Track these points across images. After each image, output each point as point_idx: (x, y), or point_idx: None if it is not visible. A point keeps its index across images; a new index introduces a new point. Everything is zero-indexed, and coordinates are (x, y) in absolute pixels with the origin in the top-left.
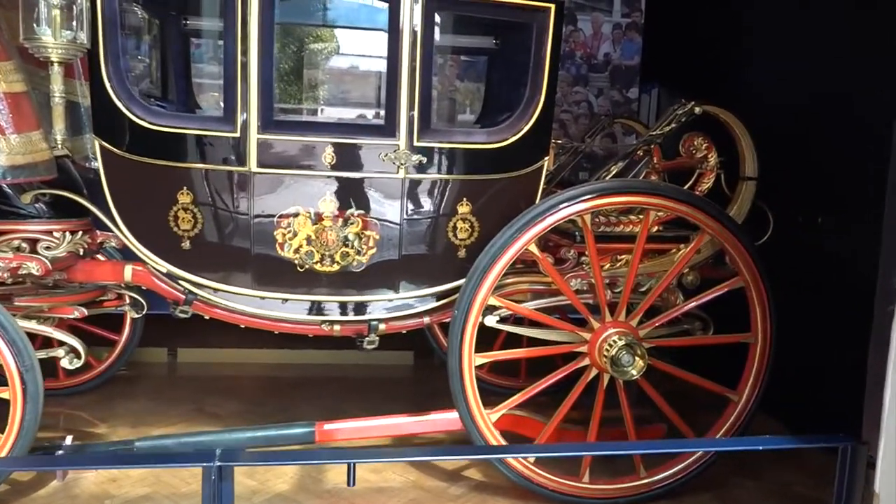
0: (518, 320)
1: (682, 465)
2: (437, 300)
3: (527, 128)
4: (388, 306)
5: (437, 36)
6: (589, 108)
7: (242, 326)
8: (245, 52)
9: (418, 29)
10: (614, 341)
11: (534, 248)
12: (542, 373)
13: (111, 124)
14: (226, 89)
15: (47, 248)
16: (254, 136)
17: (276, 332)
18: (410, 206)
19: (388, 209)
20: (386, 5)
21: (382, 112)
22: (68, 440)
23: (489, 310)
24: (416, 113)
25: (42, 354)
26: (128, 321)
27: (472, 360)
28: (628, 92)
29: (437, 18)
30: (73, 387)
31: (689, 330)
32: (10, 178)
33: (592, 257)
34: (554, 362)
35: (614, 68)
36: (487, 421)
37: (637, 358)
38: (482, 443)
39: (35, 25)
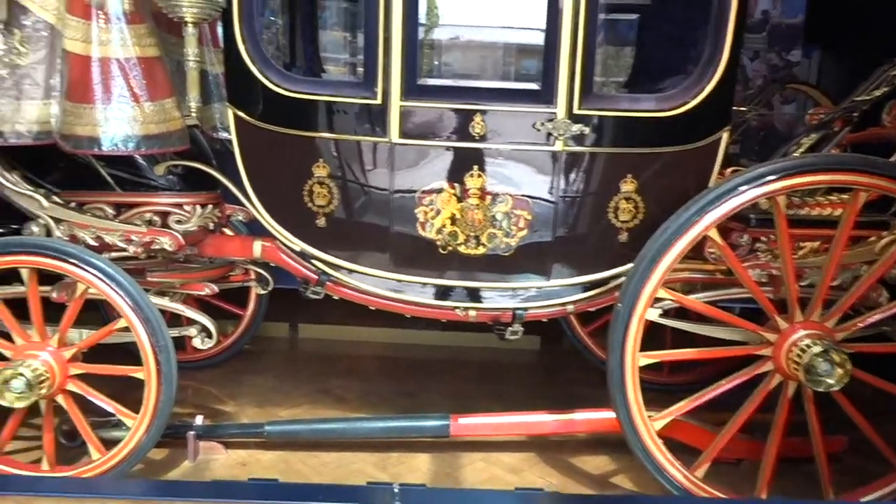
0: (682, 314)
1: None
2: (586, 290)
3: (705, 92)
4: (534, 294)
5: None
6: (742, 74)
7: (372, 308)
8: (388, 14)
9: None
10: (807, 346)
11: (715, 235)
12: (709, 371)
13: (245, 91)
14: (366, 54)
15: (178, 222)
16: (396, 103)
17: (408, 316)
18: (567, 183)
19: (541, 186)
20: None
21: (538, 76)
22: (199, 420)
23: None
24: (577, 77)
25: (175, 333)
26: (253, 296)
27: (635, 360)
28: (789, 55)
29: None
30: (201, 360)
31: (890, 334)
32: (144, 147)
33: (784, 245)
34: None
35: (773, 27)
36: (650, 428)
37: (836, 366)
38: (642, 451)
39: None
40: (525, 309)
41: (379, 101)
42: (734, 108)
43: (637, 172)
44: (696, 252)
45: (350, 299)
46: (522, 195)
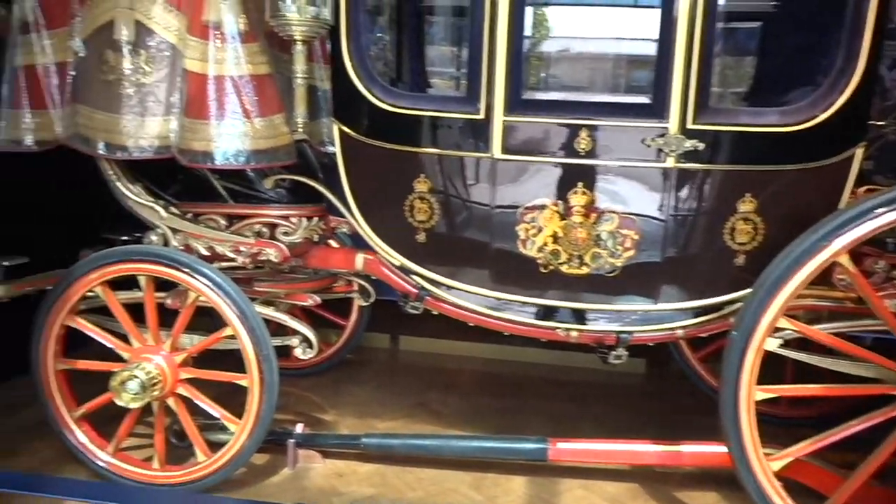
0: (805, 345)
1: None
2: (698, 315)
3: (837, 105)
4: (640, 317)
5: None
6: (879, 84)
7: (471, 325)
8: (493, 28)
9: None
10: None
11: (846, 261)
12: (835, 405)
13: (350, 107)
14: (470, 68)
15: (285, 234)
16: (499, 118)
17: (506, 333)
18: (678, 202)
19: (650, 205)
20: None
21: (649, 89)
22: (299, 428)
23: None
24: (692, 89)
25: (277, 342)
26: (355, 307)
27: (751, 393)
28: None
29: None
30: (304, 368)
31: None
32: (253, 162)
33: None
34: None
35: None
36: (767, 467)
37: None
38: (756, 491)
39: (280, 3)
40: (630, 332)
41: (482, 116)
42: (870, 121)
43: (757, 191)
44: (823, 278)
45: (449, 315)
46: (630, 214)
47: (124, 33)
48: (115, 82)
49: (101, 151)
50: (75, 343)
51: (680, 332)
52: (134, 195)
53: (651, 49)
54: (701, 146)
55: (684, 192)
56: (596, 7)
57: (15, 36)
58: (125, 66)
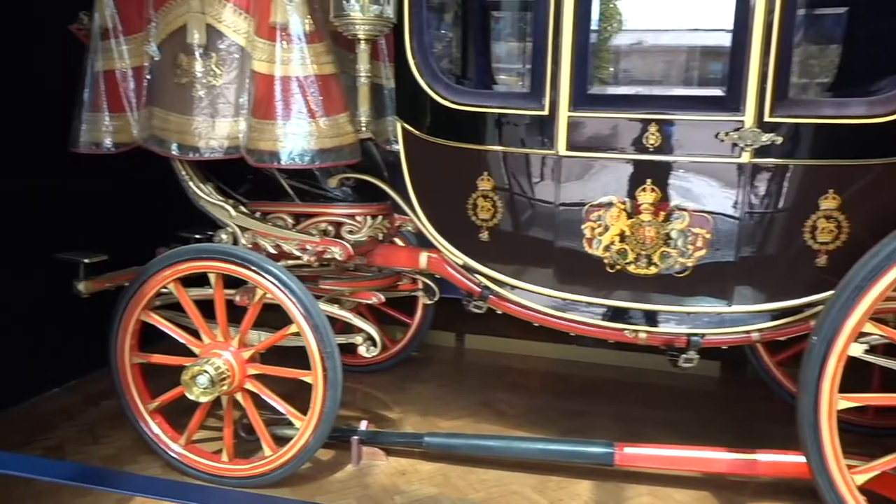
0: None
1: None
2: (775, 318)
3: None
4: (713, 319)
5: None
6: None
7: (536, 325)
8: (557, 21)
9: None
10: None
11: None
12: None
13: (413, 104)
14: (534, 63)
15: (350, 232)
16: (564, 114)
17: (572, 334)
18: (754, 199)
19: (723, 202)
20: None
21: (723, 81)
22: (363, 425)
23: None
24: (769, 80)
25: (342, 340)
26: (420, 305)
27: (833, 402)
28: None
29: None
30: (370, 365)
31: None
32: (318, 161)
33: None
34: None
35: None
36: (850, 480)
37: None
38: None
39: (344, 2)
40: (701, 335)
41: (546, 111)
42: None
43: (841, 187)
44: None
45: (513, 314)
46: (702, 212)
47: (196, 37)
48: (187, 85)
49: (174, 152)
50: (149, 338)
51: (756, 336)
52: (205, 195)
53: (725, 39)
54: (779, 140)
55: (761, 189)
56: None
57: (95, 42)
58: (197, 68)
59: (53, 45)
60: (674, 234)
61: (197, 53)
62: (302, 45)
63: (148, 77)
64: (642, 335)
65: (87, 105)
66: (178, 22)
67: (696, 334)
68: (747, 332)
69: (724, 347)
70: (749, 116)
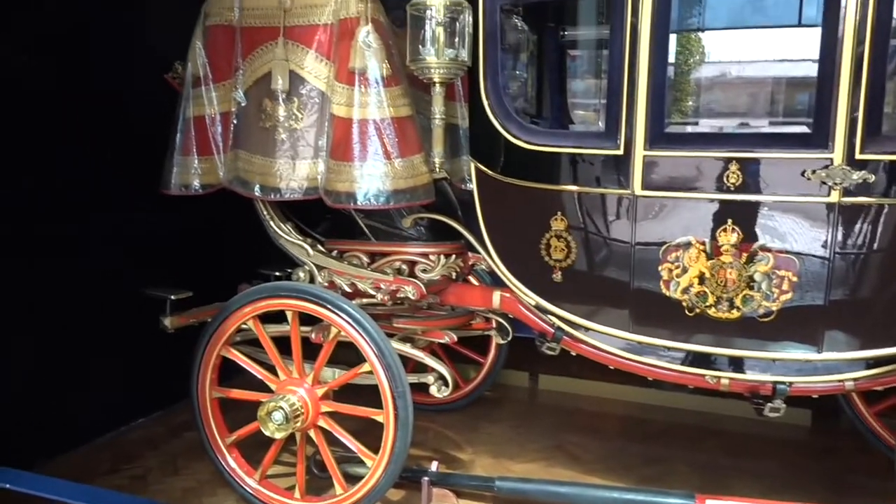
0: None
1: None
2: (871, 366)
3: None
4: (801, 366)
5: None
6: None
7: (612, 367)
8: (632, 59)
9: (870, 7)
10: None
11: None
12: None
13: (487, 145)
14: (609, 102)
15: (423, 271)
16: (639, 153)
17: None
18: (844, 240)
19: (811, 242)
20: None
21: (809, 116)
22: (434, 466)
23: None
24: (860, 116)
25: (413, 379)
26: (493, 344)
27: None
28: None
29: None
30: (442, 404)
31: None
32: (392, 202)
33: None
34: None
35: None
36: None
37: None
38: None
39: (420, 47)
40: (788, 383)
41: (621, 151)
42: None
43: None
44: None
45: (587, 356)
46: (787, 253)
47: (280, 83)
48: (270, 128)
49: (256, 193)
50: (226, 372)
51: (849, 385)
52: (284, 234)
53: (811, 72)
54: (871, 178)
55: (852, 229)
56: (746, 29)
57: (187, 90)
58: (280, 113)
59: (147, 93)
60: (757, 277)
61: (280, 99)
62: (379, 89)
63: (234, 122)
64: (724, 381)
65: (178, 149)
66: (263, 69)
67: (782, 382)
68: (840, 380)
69: (815, 396)
70: (838, 154)
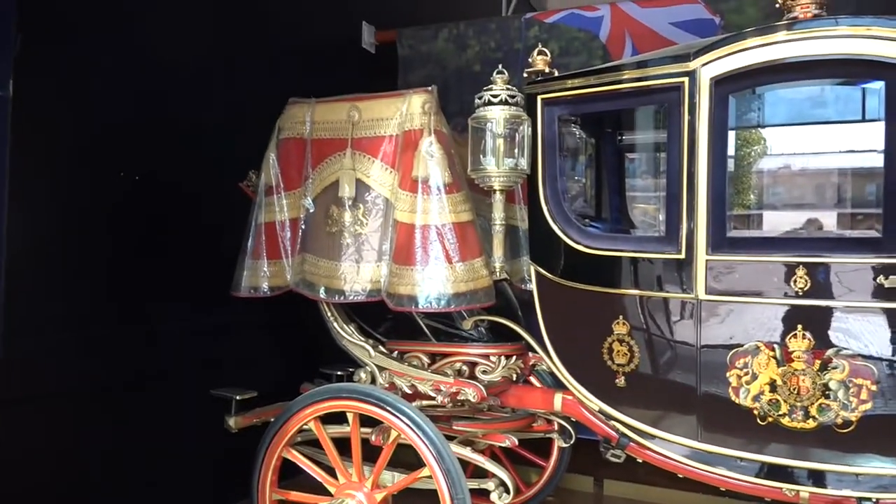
0: None
1: None
2: None
3: None
4: (888, 482)
5: None
6: None
7: (680, 476)
8: (692, 163)
9: None
10: None
11: None
12: None
13: (547, 249)
14: (669, 206)
15: (484, 372)
16: (702, 257)
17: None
18: None
19: (889, 349)
20: (880, 83)
21: (876, 219)
22: None
23: None
24: None
25: (473, 485)
26: (556, 447)
27: None
28: None
29: None
30: None
31: None
32: (453, 305)
33: None
34: None
35: None
36: None
37: None
38: None
39: (481, 157)
40: (875, 500)
41: (682, 255)
42: None
43: None
44: None
45: (654, 464)
46: (863, 360)
47: (347, 190)
48: (336, 233)
49: (321, 295)
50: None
51: None
52: (347, 335)
53: (879, 172)
54: None
55: None
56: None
57: (260, 198)
58: (346, 218)
59: (221, 200)
60: (833, 385)
61: (347, 205)
62: (441, 196)
63: (302, 227)
64: (804, 495)
65: (249, 253)
66: (331, 178)
67: (867, 498)
68: None
69: None
70: None
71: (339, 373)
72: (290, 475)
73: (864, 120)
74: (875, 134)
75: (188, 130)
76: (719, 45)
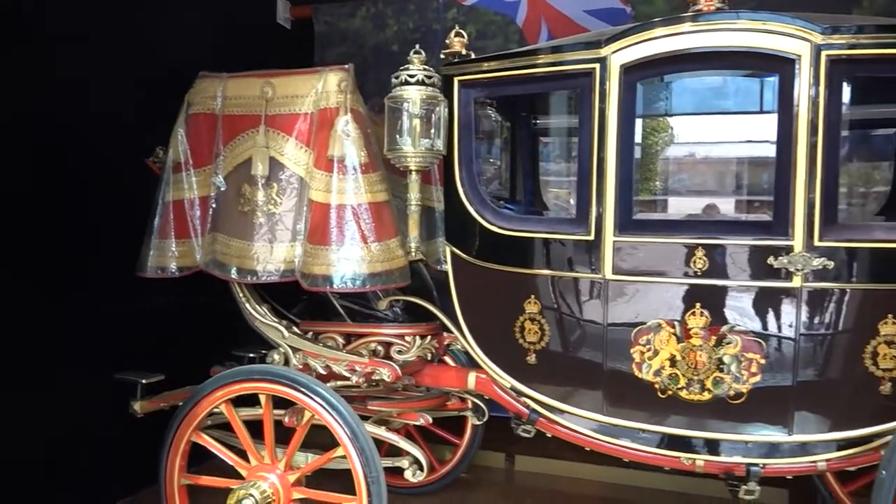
0: None
1: None
2: (842, 447)
3: None
4: (773, 448)
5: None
6: None
7: (587, 449)
8: (602, 148)
9: (820, 100)
10: None
11: None
12: None
13: (462, 230)
14: (579, 189)
15: (399, 352)
16: (609, 238)
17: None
18: (808, 323)
19: (777, 326)
20: (774, 77)
21: (768, 205)
22: None
23: None
24: (816, 205)
25: (388, 463)
26: (469, 425)
27: None
28: None
29: (846, 84)
30: (417, 487)
31: None
32: (369, 285)
33: None
34: None
35: None
36: None
37: None
38: None
39: (397, 137)
40: (761, 465)
41: (592, 237)
42: None
43: None
44: None
45: (563, 438)
46: (754, 336)
47: (260, 169)
48: (249, 213)
49: (233, 276)
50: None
51: (821, 465)
52: (260, 316)
53: (770, 163)
54: (831, 264)
55: (815, 313)
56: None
57: (167, 174)
58: (259, 197)
59: (130, 178)
60: (726, 359)
61: (260, 184)
62: (357, 176)
63: (213, 206)
64: (699, 463)
65: (155, 232)
66: (244, 155)
67: (755, 464)
68: (812, 461)
69: (789, 477)
70: (798, 241)
71: (250, 355)
72: (200, 460)
73: (761, 111)
74: (771, 125)
75: (95, 106)
76: (629, 34)
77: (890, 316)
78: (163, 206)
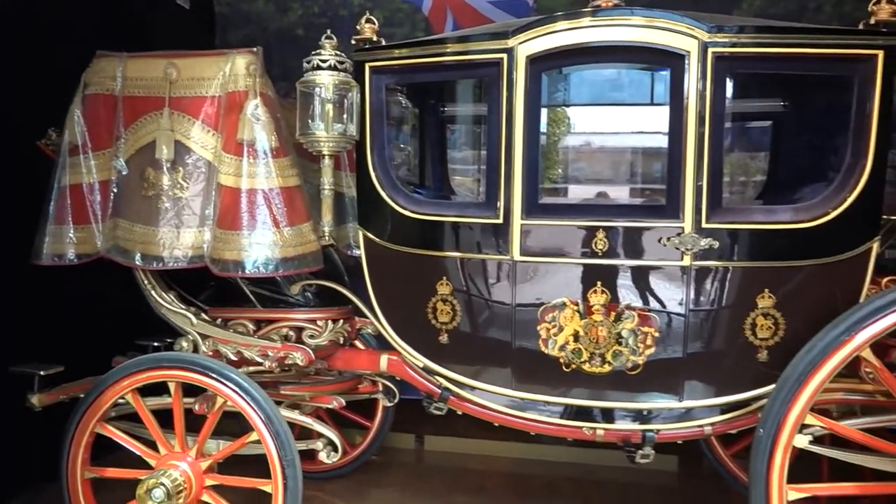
0: (839, 441)
1: None
2: (725, 411)
3: (848, 202)
4: (665, 414)
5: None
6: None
7: (496, 424)
8: (510, 136)
9: (707, 93)
10: None
11: (868, 354)
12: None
13: (374, 214)
14: (488, 174)
15: (311, 337)
16: (517, 221)
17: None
18: (697, 299)
19: (669, 302)
20: (666, 71)
21: (662, 191)
22: None
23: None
24: (703, 190)
25: (301, 446)
26: (380, 407)
27: (783, 493)
28: None
29: (729, 79)
30: (329, 470)
31: None
32: (282, 269)
33: None
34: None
35: None
36: None
37: None
38: None
39: (310, 121)
40: (655, 430)
41: (501, 220)
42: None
43: (775, 287)
44: (853, 370)
45: (473, 415)
46: (649, 311)
47: (164, 152)
48: (153, 197)
49: (137, 262)
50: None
51: (707, 430)
52: (166, 303)
53: (662, 152)
54: (716, 244)
55: (702, 289)
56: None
57: (63, 158)
58: (164, 182)
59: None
60: (625, 333)
61: (165, 168)
62: (267, 160)
63: (114, 190)
64: (599, 432)
65: (51, 218)
66: (146, 138)
67: (650, 430)
68: (699, 426)
69: (680, 442)
70: (688, 223)
71: (156, 344)
72: (104, 453)
73: (652, 103)
74: (663, 117)
75: None
76: (534, 26)
77: (766, 290)
78: (58, 191)
